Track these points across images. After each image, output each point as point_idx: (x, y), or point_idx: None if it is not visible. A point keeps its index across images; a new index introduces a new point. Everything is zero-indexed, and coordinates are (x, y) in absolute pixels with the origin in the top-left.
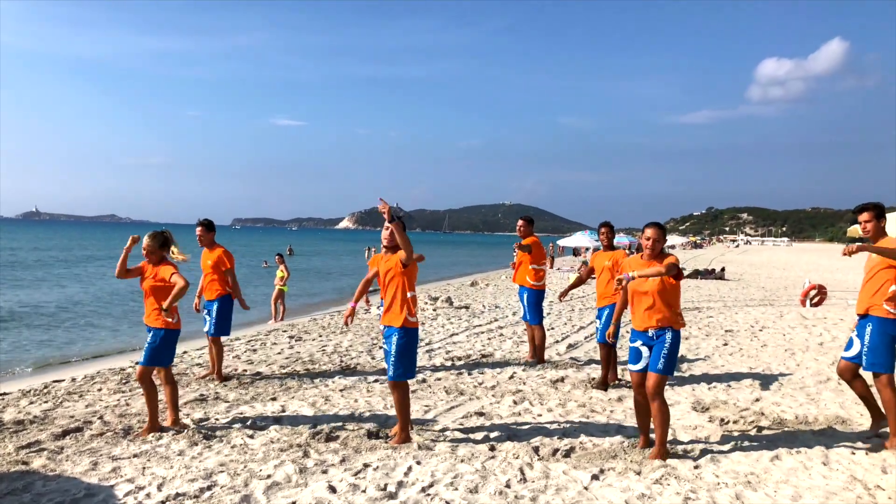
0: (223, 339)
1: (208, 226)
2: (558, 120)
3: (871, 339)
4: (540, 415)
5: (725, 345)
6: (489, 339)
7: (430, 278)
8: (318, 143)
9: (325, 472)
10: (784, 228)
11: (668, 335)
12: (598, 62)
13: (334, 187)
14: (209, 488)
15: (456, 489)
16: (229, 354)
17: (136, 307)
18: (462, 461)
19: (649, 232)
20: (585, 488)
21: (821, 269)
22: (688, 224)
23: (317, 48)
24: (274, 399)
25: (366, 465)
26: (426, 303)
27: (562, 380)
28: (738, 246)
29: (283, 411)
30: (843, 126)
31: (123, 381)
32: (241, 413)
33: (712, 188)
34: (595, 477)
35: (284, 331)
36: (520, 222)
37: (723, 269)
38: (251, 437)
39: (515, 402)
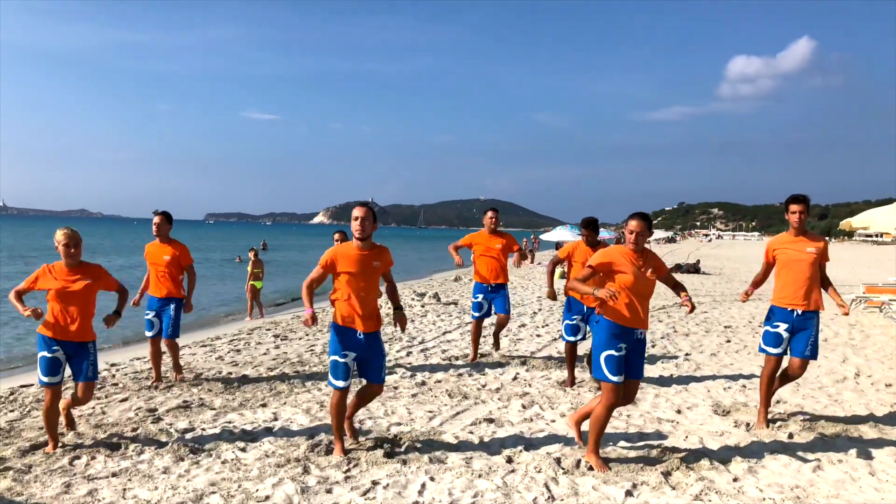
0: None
1: (167, 217)
2: (532, 116)
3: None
4: (553, 420)
5: (728, 341)
6: (483, 336)
7: (410, 274)
8: (292, 137)
9: (329, 491)
10: (754, 223)
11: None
12: (572, 59)
13: (308, 182)
14: None
15: None
16: (212, 356)
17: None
18: (480, 476)
19: (633, 223)
20: None
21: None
22: (660, 219)
23: (289, 42)
24: (264, 405)
25: (374, 483)
26: (413, 299)
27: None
28: (710, 241)
29: (276, 419)
30: (811, 123)
31: (98, 386)
32: (230, 422)
33: (683, 183)
34: (629, 493)
35: (268, 329)
36: (491, 214)
37: (697, 262)
38: (243, 450)
39: (524, 407)
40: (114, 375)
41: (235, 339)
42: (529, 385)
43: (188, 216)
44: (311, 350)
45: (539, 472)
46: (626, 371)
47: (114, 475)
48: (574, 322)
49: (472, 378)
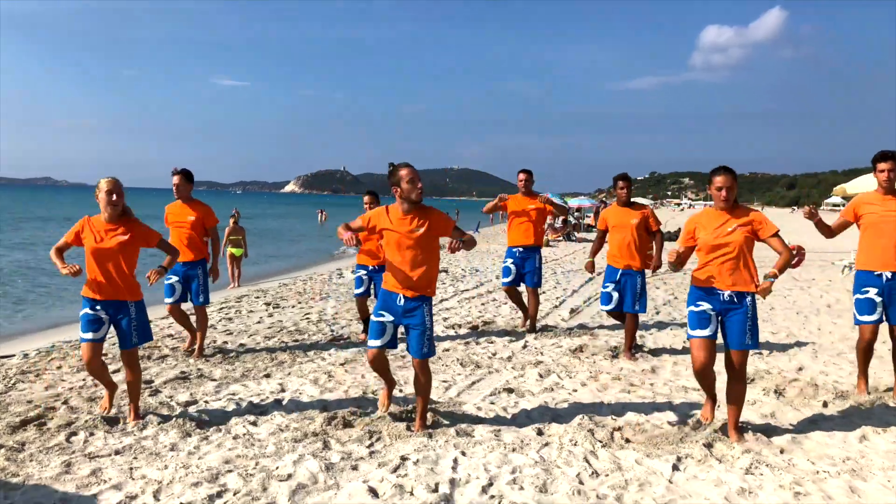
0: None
1: (188, 175)
2: (504, 85)
3: None
4: (575, 390)
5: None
6: (482, 304)
7: None
8: (262, 104)
9: (355, 468)
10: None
11: (749, 300)
12: (543, 27)
13: (279, 150)
14: (219, 495)
15: (522, 488)
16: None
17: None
18: (513, 450)
19: (721, 179)
20: (670, 482)
21: (786, 232)
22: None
23: (258, 8)
24: (268, 376)
25: (403, 459)
26: None
27: (581, 349)
28: (682, 210)
29: (283, 390)
30: (780, 94)
31: None
32: (234, 394)
33: (655, 153)
34: (675, 467)
35: (257, 297)
36: (522, 175)
37: (679, 230)
38: (254, 423)
39: (542, 376)
40: None
41: (225, 308)
42: (541, 353)
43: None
44: (307, 318)
45: (575, 444)
46: (724, 338)
47: (117, 453)
48: (608, 291)
49: (480, 346)
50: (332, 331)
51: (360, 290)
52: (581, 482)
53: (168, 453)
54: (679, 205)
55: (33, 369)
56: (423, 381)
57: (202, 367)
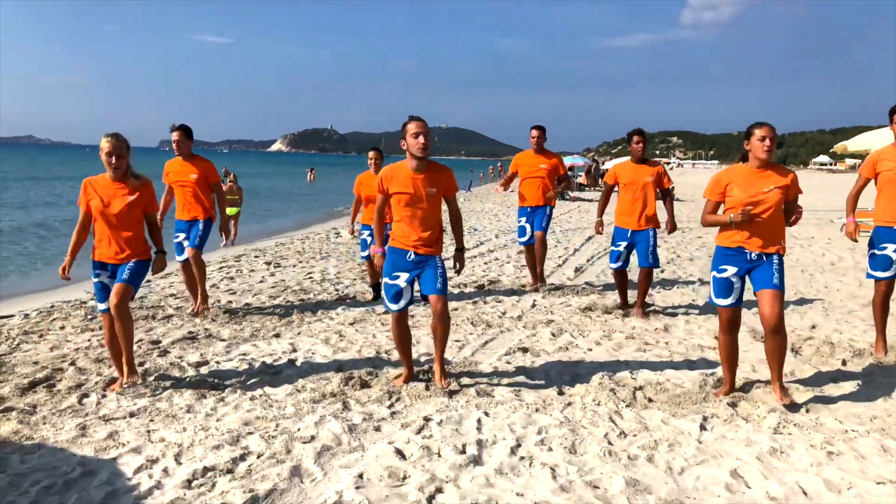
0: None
1: (187, 131)
2: (494, 43)
3: None
4: (590, 349)
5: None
6: (485, 263)
7: None
8: (248, 61)
9: (377, 428)
10: (712, 152)
11: (776, 257)
12: None
13: (265, 108)
14: (242, 458)
15: (550, 449)
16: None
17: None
18: (537, 410)
19: (766, 129)
20: (699, 441)
21: None
22: (620, 147)
23: None
24: (277, 336)
25: (426, 420)
26: None
27: (590, 307)
28: (671, 168)
29: (295, 350)
30: (770, 53)
31: (88, 317)
32: (245, 354)
33: (644, 112)
34: (702, 427)
35: (256, 256)
36: (534, 132)
37: (672, 188)
38: (270, 384)
39: (554, 335)
40: (81, 304)
41: (225, 267)
42: (551, 312)
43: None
44: (310, 277)
45: (599, 405)
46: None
47: (132, 415)
48: (618, 249)
49: (489, 306)
50: (337, 290)
51: (367, 253)
52: (610, 442)
53: (185, 415)
54: (668, 164)
55: (35, 329)
56: (442, 328)
57: (209, 327)
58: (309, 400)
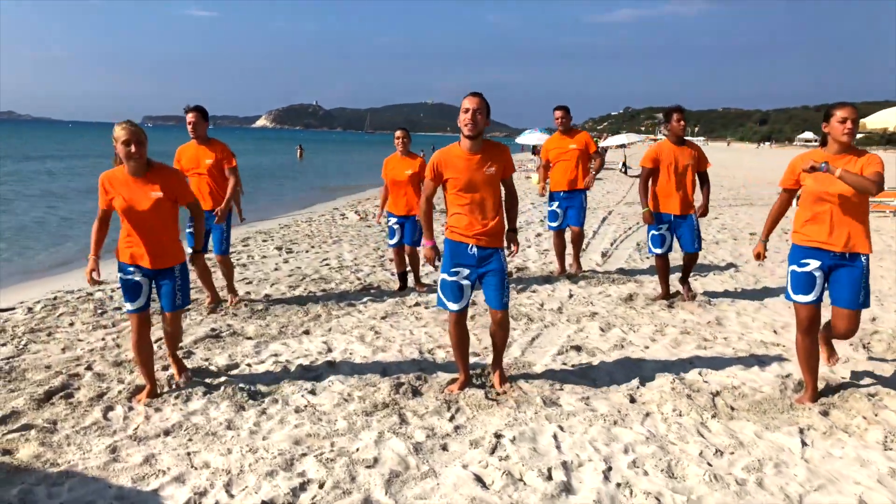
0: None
1: (203, 112)
2: (483, 17)
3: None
4: (647, 346)
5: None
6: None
7: (371, 182)
8: (232, 35)
9: (444, 447)
10: (697, 128)
11: (864, 258)
12: None
13: (250, 84)
14: (303, 488)
15: (646, 473)
16: (216, 272)
17: (53, 213)
18: (615, 423)
19: (847, 110)
20: (806, 460)
21: (765, 169)
22: (606, 124)
23: None
24: (307, 333)
25: (497, 437)
26: None
27: (631, 297)
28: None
29: (331, 350)
30: (755, 29)
31: (99, 311)
32: (277, 355)
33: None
34: (803, 442)
35: (264, 241)
36: (558, 112)
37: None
38: (312, 392)
39: (603, 330)
40: (111, 297)
41: (234, 253)
42: (592, 304)
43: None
44: (326, 264)
45: (681, 415)
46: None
47: (167, 433)
48: (660, 232)
49: (524, 296)
50: (359, 279)
51: (395, 241)
52: (709, 463)
53: (226, 433)
54: (655, 140)
55: (43, 327)
56: (502, 334)
57: (232, 323)
58: (360, 412)
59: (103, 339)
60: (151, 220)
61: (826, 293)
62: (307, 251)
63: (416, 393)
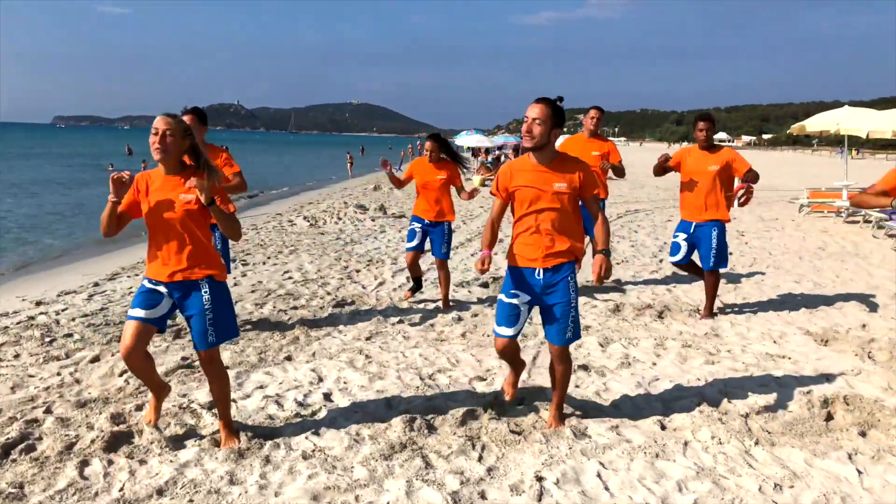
0: None
1: (201, 116)
2: (405, 18)
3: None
4: (654, 363)
5: (731, 254)
6: (471, 254)
7: (309, 184)
8: (149, 33)
9: (483, 495)
10: (616, 129)
11: None
12: None
13: (169, 83)
14: None
15: None
16: None
17: None
18: (656, 455)
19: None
20: (868, 490)
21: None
22: None
23: None
24: (289, 359)
25: (539, 480)
26: (355, 212)
27: (618, 308)
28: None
29: (321, 379)
30: (672, 31)
31: (47, 339)
32: (262, 386)
33: (552, 89)
34: (857, 470)
35: None
36: (593, 113)
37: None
38: (316, 433)
39: (602, 346)
40: (57, 322)
41: None
42: (581, 315)
43: (34, 119)
44: (290, 278)
45: (721, 443)
46: None
47: (160, 493)
48: (677, 240)
49: None
50: (329, 294)
51: (413, 244)
52: (774, 501)
53: (230, 489)
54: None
55: None
56: (563, 367)
57: None
58: (377, 456)
59: (59, 374)
60: (176, 228)
61: None
62: (264, 262)
63: (432, 429)
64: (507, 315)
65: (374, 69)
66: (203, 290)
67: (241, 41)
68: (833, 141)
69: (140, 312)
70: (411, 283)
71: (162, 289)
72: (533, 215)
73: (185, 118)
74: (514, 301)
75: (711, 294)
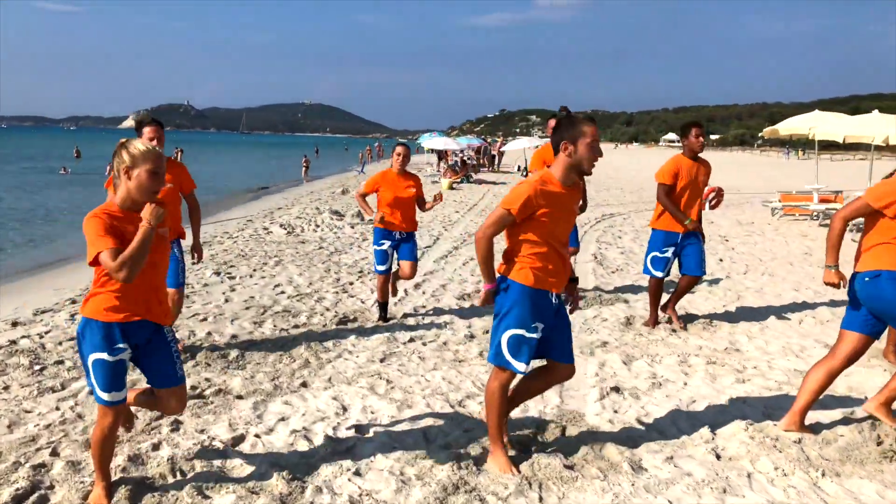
0: None
1: (162, 127)
2: (356, 17)
3: None
4: (685, 383)
5: (721, 261)
6: (463, 265)
7: (272, 188)
8: (94, 32)
9: None
10: None
11: None
12: None
13: (115, 83)
14: None
15: None
16: None
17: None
18: (724, 491)
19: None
20: None
21: (653, 167)
22: (482, 126)
23: None
24: (305, 385)
25: None
26: (332, 218)
27: (629, 321)
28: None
29: (345, 409)
30: (621, 34)
31: (36, 367)
32: (285, 418)
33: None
34: None
35: (194, 262)
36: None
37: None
38: (357, 473)
39: (626, 363)
40: (43, 346)
41: None
42: (594, 330)
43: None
44: (282, 292)
45: (785, 474)
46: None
47: None
48: (665, 255)
49: None
50: (329, 310)
51: (385, 267)
52: None
53: None
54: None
55: None
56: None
57: (210, 377)
58: (432, 499)
59: (58, 409)
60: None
61: None
62: (251, 275)
63: (479, 463)
64: (530, 352)
65: (326, 69)
66: (165, 333)
67: (190, 41)
68: (776, 142)
69: (113, 396)
70: (381, 311)
71: (124, 352)
72: (557, 237)
73: (150, 129)
74: (535, 336)
75: (682, 294)
